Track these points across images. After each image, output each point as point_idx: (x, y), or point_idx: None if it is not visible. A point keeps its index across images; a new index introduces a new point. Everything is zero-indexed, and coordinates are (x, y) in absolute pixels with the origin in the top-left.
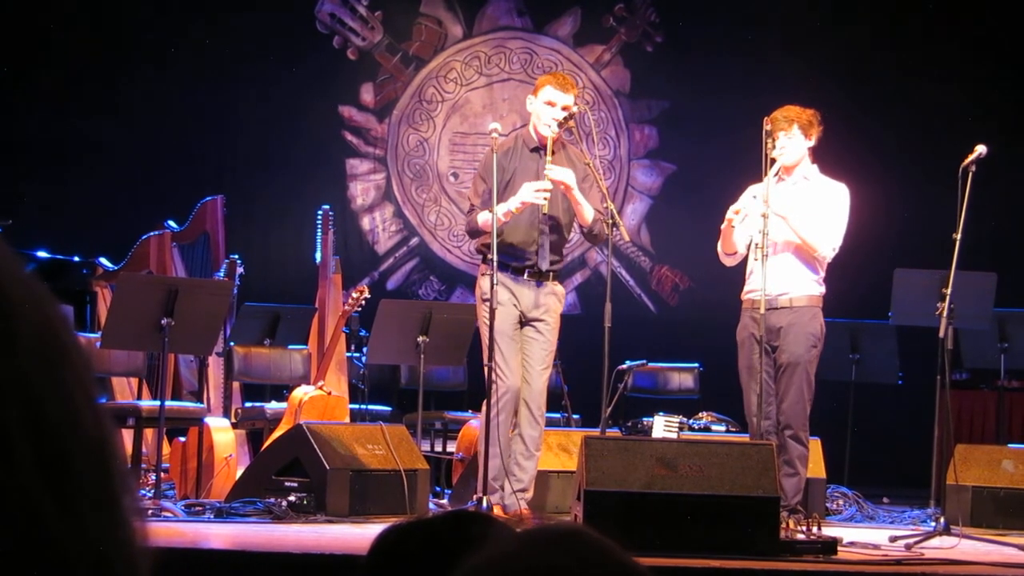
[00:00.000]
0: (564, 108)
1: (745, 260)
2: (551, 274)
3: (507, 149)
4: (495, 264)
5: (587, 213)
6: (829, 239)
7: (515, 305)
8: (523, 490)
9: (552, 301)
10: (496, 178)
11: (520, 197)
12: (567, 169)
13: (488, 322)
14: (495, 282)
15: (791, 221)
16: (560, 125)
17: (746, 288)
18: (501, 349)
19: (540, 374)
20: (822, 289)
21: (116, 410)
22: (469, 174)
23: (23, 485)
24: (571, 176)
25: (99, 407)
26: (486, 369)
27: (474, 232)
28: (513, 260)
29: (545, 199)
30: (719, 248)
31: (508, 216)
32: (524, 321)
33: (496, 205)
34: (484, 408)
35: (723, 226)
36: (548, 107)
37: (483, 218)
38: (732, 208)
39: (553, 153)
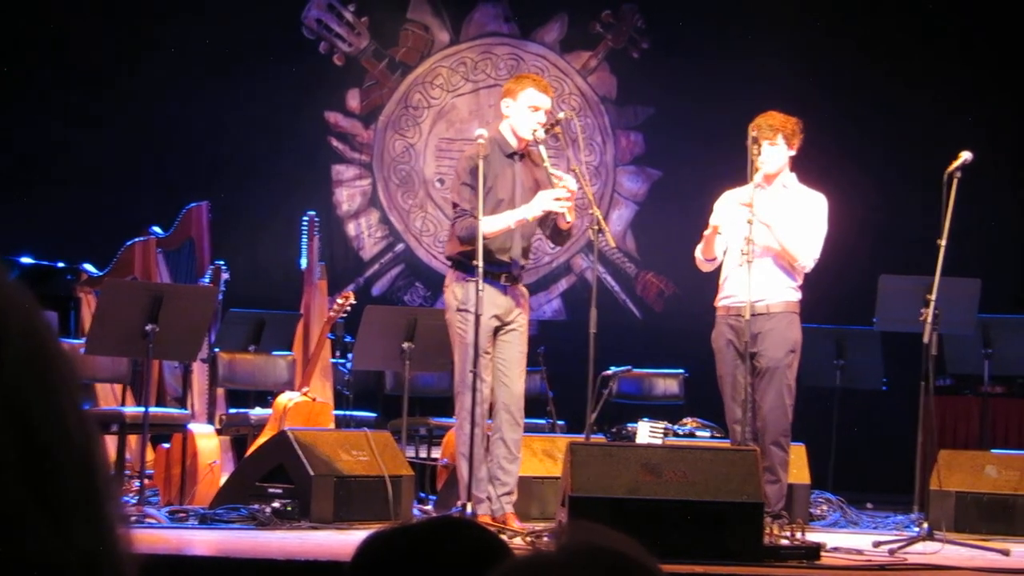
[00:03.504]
0: (546, 111)
1: (719, 267)
2: (521, 276)
3: (486, 155)
4: (480, 271)
5: (570, 217)
6: (810, 250)
7: (496, 316)
8: (509, 493)
9: (524, 303)
10: (472, 173)
11: (540, 206)
12: (569, 176)
13: (462, 331)
14: (480, 288)
15: (775, 230)
16: (547, 131)
17: (721, 295)
18: (472, 361)
19: (518, 377)
20: (799, 295)
21: (100, 416)
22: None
23: (10, 492)
24: (575, 182)
25: (85, 414)
26: (470, 376)
27: (471, 239)
28: (491, 266)
29: (565, 208)
30: (698, 254)
31: (519, 224)
32: (497, 328)
33: (486, 212)
34: (462, 419)
35: (707, 232)
36: (532, 111)
37: (487, 227)
38: (715, 216)
39: (530, 160)
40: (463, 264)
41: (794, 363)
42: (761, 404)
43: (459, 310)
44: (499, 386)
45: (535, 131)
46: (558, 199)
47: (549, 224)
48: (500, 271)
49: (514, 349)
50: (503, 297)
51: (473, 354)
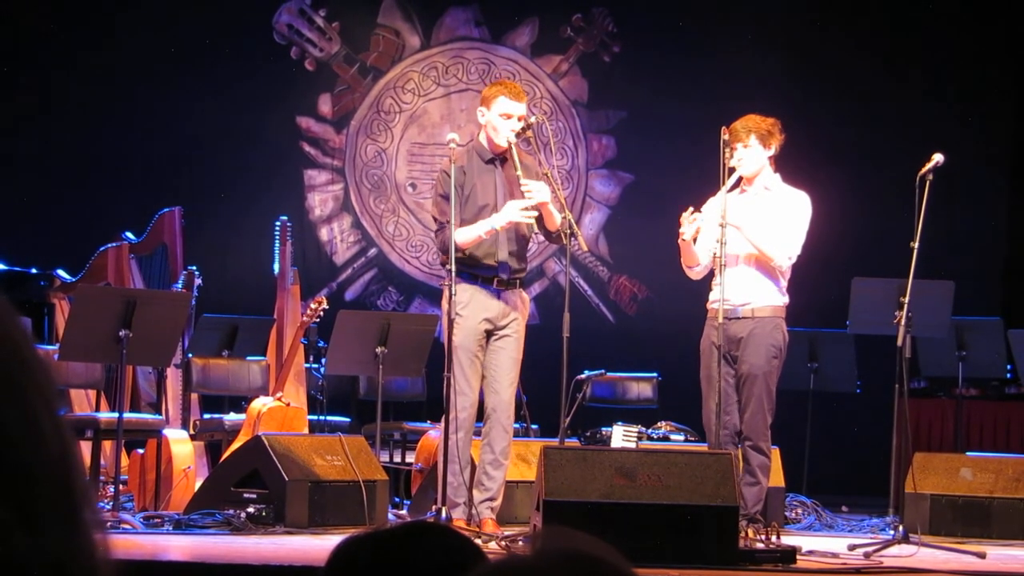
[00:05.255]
0: (520, 118)
1: (712, 271)
2: (517, 281)
3: (462, 164)
4: (454, 274)
5: (557, 218)
6: (785, 248)
7: (487, 319)
8: (491, 499)
9: (522, 308)
10: (447, 184)
11: (506, 216)
12: (540, 183)
13: (451, 335)
14: (453, 292)
15: (745, 231)
16: (519, 136)
17: (711, 297)
18: (462, 365)
19: (509, 384)
20: (785, 299)
21: (74, 422)
22: (427, 184)
23: None
24: (547, 191)
25: (60, 421)
26: (445, 381)
27: (447, 250)
28: (481, 270)
29: (532, 218)
30: (681, 262)
31: (490, 234)
32: (491, 333)
33: (461, 220)
34: (443, 422)
35: (678, 241)
36: (505, 119)
37: (461, 236)
38: (683, 220)
39: (511, 166)
40: (458, 269)
41: (777, 368)
42: (744, 408)
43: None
44: (489, 392)
45: (508, 138)
46: (524, 209)
47: (542, 225)
48: (490, 275)
49: (506, 356)
50: (495, 302)
51: (448, 357)
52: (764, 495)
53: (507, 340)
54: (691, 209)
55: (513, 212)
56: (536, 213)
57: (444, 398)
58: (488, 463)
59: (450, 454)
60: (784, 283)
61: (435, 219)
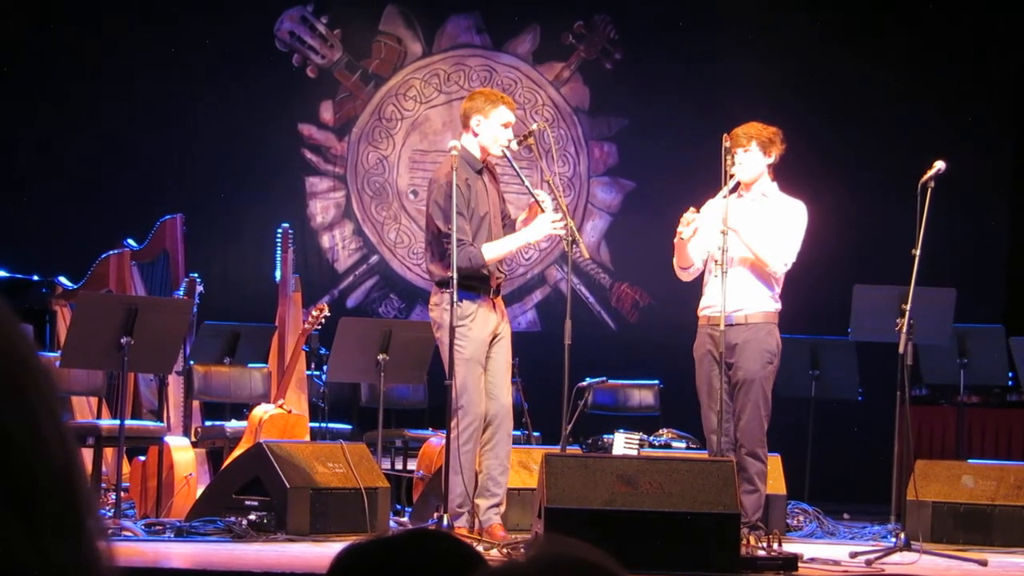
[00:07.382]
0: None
1: (701, 275)
2: (500, 288)
3: (459, 176)
4: (454, 281)
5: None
6: (781, 255)
7: (491, 330)
8: (498, 504)
9: (505, 314)
10: (459, 201)
11: (543, 231)
12: (542, 191)
13: (461, 347)
14: (454, 298)
15: (742, 235)
16: (520, 143)
17: (702, 304)
18: (475, 377)
19: (506, 389)
20: (778, 305)
21: (76, 429)
22: None
23: None
24: (548, 198)
25: (64, 428)
26: (451, 391)
27: (479, 268)
28: (484, 282)
29: (563, 229)
30: (674, 262)
31: (520, 249)
32: (491, 340)
33: (473, 229)
34: (453, 432)
35: (675, 240)
36: (505, 129)
37: (491, 252)
38: (683, 220)
39: (490, 173)
40: (445, 282)
41: (772, 373)
42: (739, 414)
43: (458, 327)
44: (490, 399)
45: (505, 146)
46: (555, 222)
47: (510, 224)
48: (489, 286)
49: (502, 362)
50: (492, 312)
51: (449, 365)
52: (763, 502)
53: (501, 346)
54: (692, 209)
55: (547, 226)
56: (566, 220)
57: (448, 406)
58: (494, 469)
59: (458, 464)
60: (777, 289)
61: (446, 235)
